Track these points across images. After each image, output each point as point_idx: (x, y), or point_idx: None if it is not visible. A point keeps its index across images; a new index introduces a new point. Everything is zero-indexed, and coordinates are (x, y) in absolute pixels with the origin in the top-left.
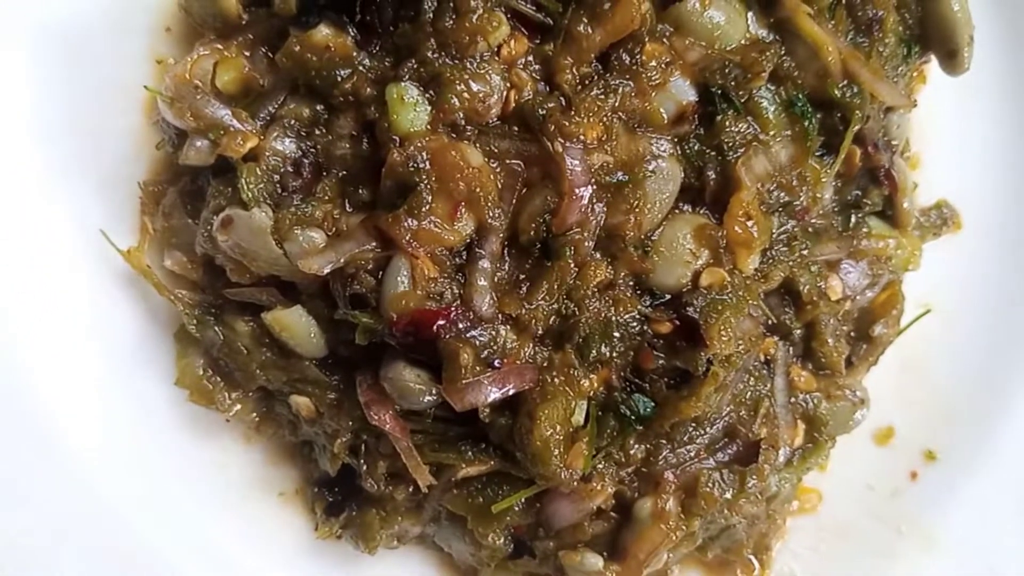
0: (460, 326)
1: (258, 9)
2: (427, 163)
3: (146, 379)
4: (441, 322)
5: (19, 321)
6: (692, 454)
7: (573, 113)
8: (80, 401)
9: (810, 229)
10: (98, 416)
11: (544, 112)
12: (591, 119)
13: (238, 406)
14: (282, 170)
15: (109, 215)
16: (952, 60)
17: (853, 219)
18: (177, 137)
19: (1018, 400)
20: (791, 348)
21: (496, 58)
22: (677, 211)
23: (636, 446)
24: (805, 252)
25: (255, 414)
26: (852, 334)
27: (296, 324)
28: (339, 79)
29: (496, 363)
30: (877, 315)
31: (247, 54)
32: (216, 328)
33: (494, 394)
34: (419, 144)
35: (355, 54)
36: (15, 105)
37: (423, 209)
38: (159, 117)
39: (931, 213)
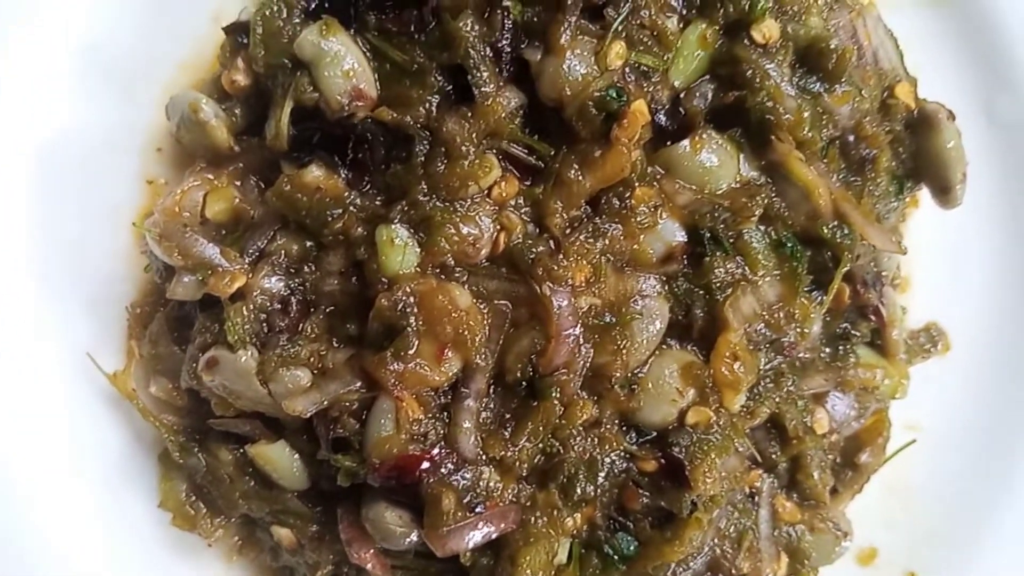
0: (443, 470)
1: (250, 138)
2: (415, 306)
3: (130, 498)
4: (425, 466)
5: (3, 437)
6: None
7: (562, 256)
8: (63, 518)
9: (797, 363)
10: (80, 534)
11: (533, 255)
12: (579, 262)
13: (220, 531)
14: (269, 308)
15: (97, 335)
16: (945, 195)
17: (841, 350)
18: (165, 269)
19: (1001, 523)
20: (776, 481)
21: (487, 199)
22: (664, 347)
23: None
24: (792, 388)
25: (237, 537)
26: (837, 461)
27: (280, 458)
28: (329, 219)
29: (479, 508)
30: (863, 443)
31: (238, 183)
32: (200, 455)
33: (476, 539)
34: (407, 288)
35: (346, 194)
36: (6, 221)
37: (409, 351)
38: (147, 248)
39: (920, 335)
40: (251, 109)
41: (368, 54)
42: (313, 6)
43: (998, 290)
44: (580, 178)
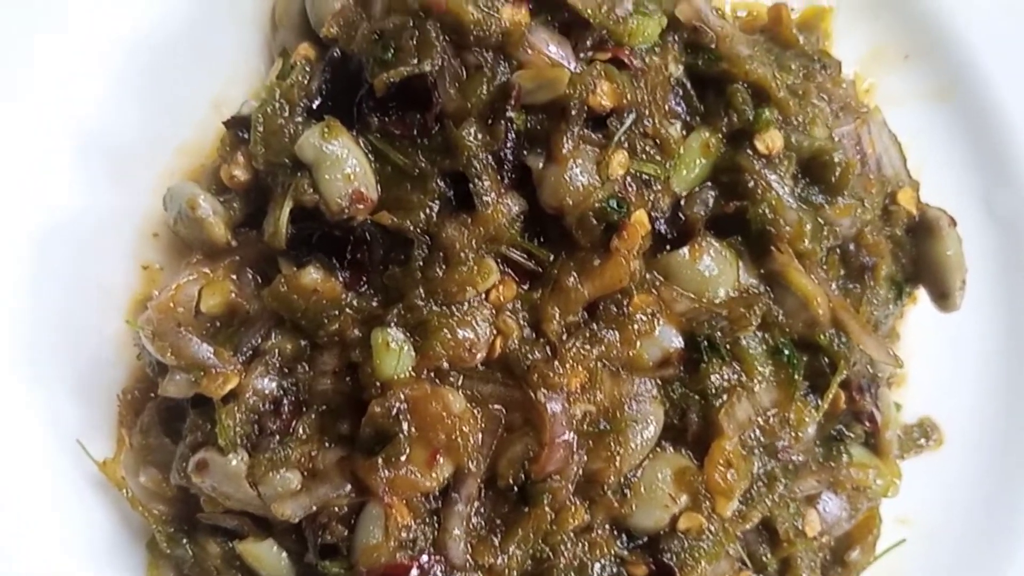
0: None
1: (247, 231)
2: (408, 412)
3: None
4: (413, 574)
5: None
6: None
7: (557, 363)
8: None
9: (790, 466)
10: None
11: (529, 361)
12: (575, 368)
13: None
14: (262, 409)
15: (86, 421)
16: (944, 301)
17: (835, 451)
18: (158, 364)
19: None
20: None
21: (485, 303)
22: (658, 449)
23: None
24: (784, 491)
25: None
26: (827, 558)
27: (267, 556)
28: (325, 320)
29: None
30: (853, 540)
31: (234, 276)
32: (188, 546)
33: None
34: (401, 395)
35: (343, 295)
36: None
37: (401, 458)
38: (141, 345)
39: (914, 430)
40: (249, 202)
41: (370, 156)
42: (316, 105)
43: (992, 385)
44: (579, 286)
